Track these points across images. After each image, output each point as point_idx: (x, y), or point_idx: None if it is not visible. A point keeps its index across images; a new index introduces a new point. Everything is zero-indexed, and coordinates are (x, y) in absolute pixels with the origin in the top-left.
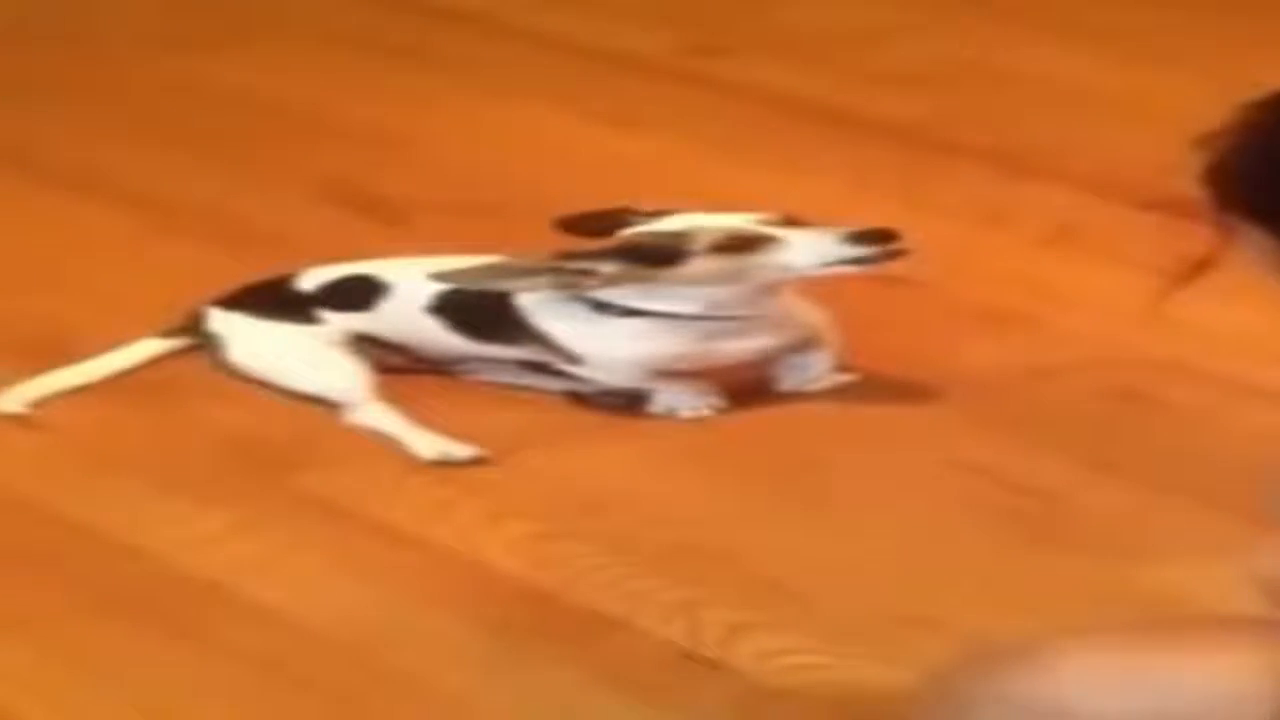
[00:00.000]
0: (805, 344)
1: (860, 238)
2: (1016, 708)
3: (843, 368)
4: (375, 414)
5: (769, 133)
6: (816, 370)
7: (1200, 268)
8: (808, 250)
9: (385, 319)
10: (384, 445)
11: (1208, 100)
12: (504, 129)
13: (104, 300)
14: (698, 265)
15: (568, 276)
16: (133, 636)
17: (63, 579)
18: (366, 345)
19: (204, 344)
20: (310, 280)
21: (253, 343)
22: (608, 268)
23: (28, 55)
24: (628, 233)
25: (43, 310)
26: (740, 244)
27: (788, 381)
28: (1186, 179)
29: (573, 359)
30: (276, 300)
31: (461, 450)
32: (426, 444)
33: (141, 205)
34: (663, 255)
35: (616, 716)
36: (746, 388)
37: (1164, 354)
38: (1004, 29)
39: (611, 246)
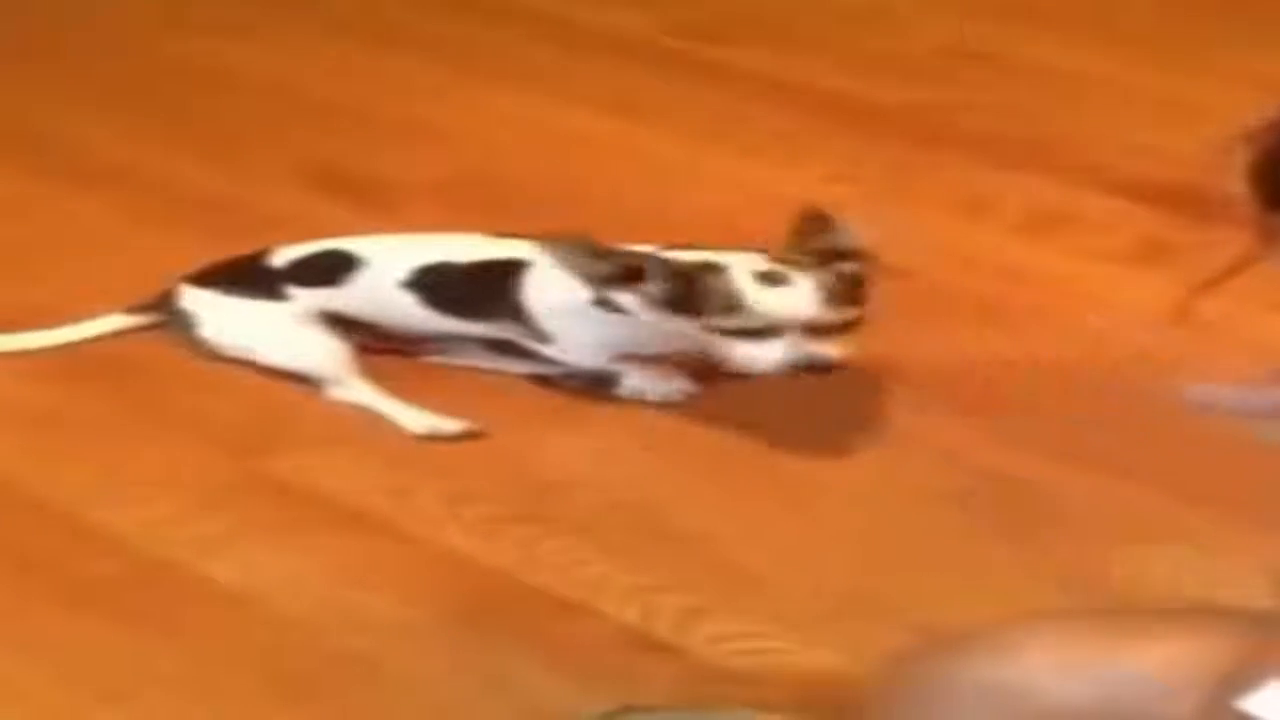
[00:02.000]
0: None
1: (799, 366)
2: (982, 692)
3: (804, 355)
4: (358, 389)
5: (758, 117)
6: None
7: (1233, 270)
8: (756, 355)
9: (355, 295)
10: (344, 428)
11: (1199, 93)
12: (493, 112)
13: (85, 284)
14: (694, 327)
15: (624, 273)
16: (84, 617)
17: (15, 559)
18: (332, 323)
19: (170, 321)
20: (282, 257)
21: (224, 320)
22: (652, 288)
23: (18, 36)
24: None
25: (21, 292)
26: (740, 333)
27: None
28: (1225, 176)
29: (543, 338)
30: (247, 277)
31: (450, 424)
32: (414, 418)
33: (128, 189)
34: (688, 304)
35: (568, 700)
36: (707, 371)
37: (1142, 343)
38: (995, 17)
39: (679, 268)
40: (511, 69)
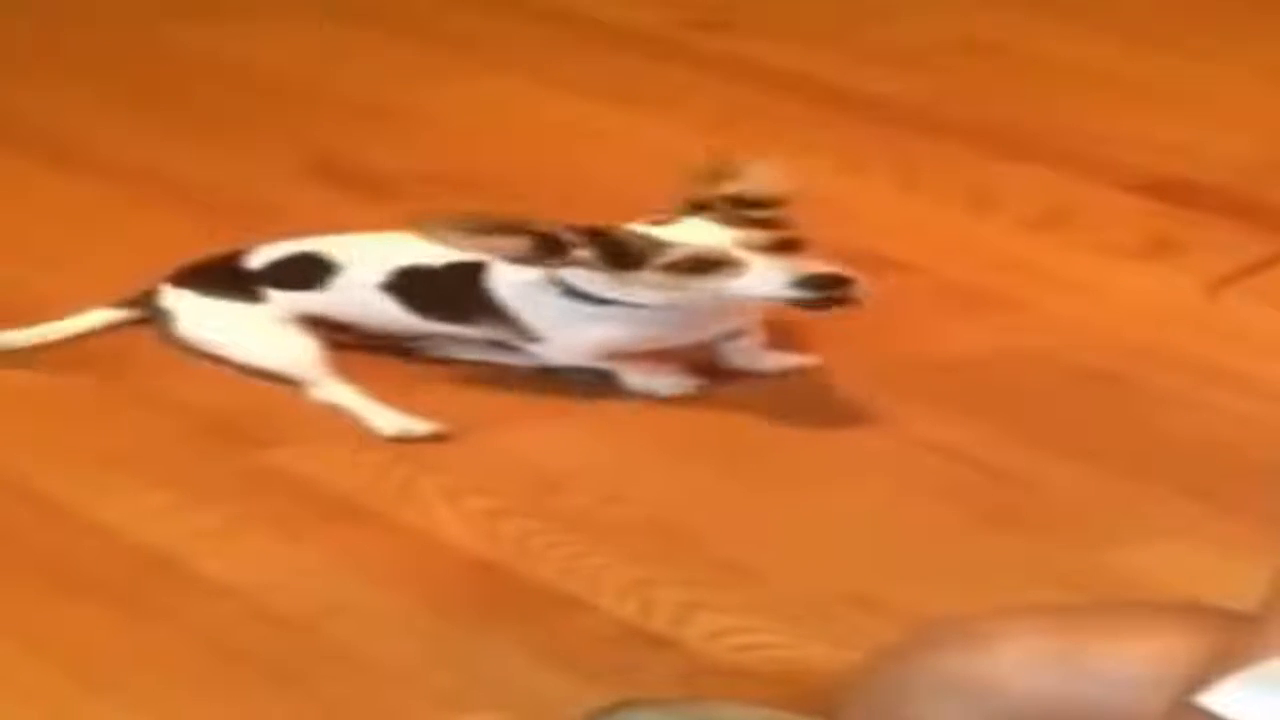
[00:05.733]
0: (750, 328)
1: (815, 283)
2: (950, 685)
3: (786, 351)
4: (334, 390)
5: (763, 109)
6: (758, 352)
7: (1261, 266)
8: (760, 282)
9: (333, 298)
10: (341, 421)
11: (1206, 85)
12: (497, 103)
13: (77, 272)
14: (650, 278)
15: (542, 245)
16: (77, 609)
17: (7, 548)
18: (313, 324)
19: (154, 318)
20: (259, 258)
21: (203, 320)
22: (582, 252)
23: (15, 23)
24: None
25: (14, 280)
26: (698, 266)
27: (732, 362)
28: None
29: (533, 338)
30: (224, 278)
31: (421, 426)
32: (386, 419)
33: (125, 177)
34: (626, 258)
35: (564, 694)
36: (706, 366)
37: (1143, 339)
38: (1001, 9)
39: (591, 229)
40: (513, 58)
